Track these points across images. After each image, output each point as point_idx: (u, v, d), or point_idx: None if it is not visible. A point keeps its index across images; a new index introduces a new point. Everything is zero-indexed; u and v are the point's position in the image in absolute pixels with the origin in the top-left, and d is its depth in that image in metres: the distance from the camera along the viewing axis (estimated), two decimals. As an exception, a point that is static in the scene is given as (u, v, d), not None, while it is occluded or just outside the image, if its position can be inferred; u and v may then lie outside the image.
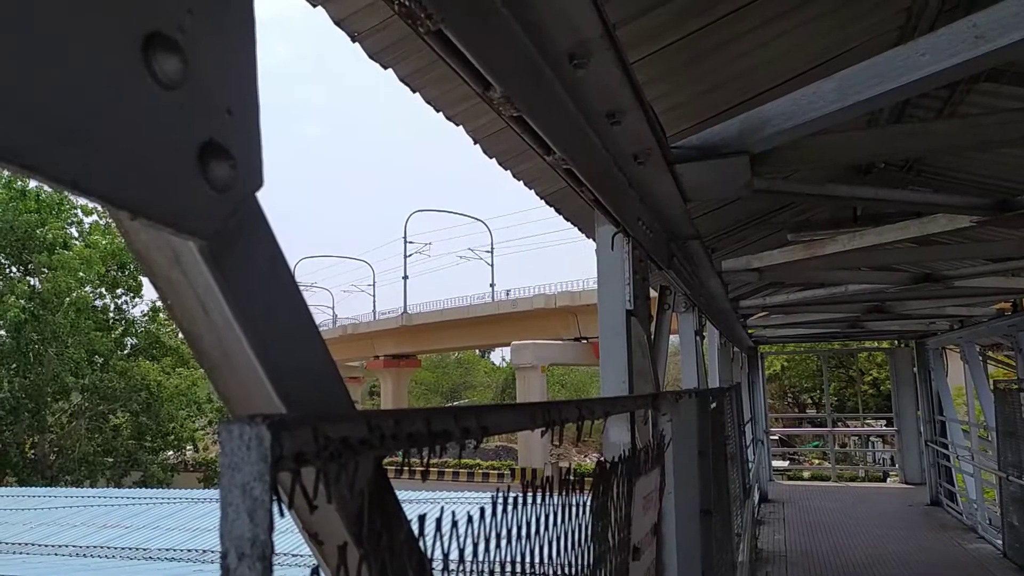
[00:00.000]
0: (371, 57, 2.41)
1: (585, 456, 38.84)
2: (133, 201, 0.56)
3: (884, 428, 23.18)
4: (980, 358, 11.88)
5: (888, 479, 20.07)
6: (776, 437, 20.71)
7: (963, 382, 13.41)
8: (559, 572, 1.19)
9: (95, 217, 27.50)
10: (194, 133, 0.63)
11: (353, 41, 2.32)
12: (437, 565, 0.84)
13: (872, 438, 24.96)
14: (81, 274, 25.32)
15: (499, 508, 0.97)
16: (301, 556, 8.85)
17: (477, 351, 60.35)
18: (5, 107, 0.46)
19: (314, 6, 2.08)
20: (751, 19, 2.85)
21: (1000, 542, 9.39)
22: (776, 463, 18.78)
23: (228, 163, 0.65)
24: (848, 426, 27.38)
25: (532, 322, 36.43)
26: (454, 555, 0.86)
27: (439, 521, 0.82)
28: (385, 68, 2.47)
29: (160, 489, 19.06)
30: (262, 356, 0.72)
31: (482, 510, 0.91)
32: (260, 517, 0.53)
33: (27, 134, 0.48)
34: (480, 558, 0.91)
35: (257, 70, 0.71)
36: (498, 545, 0.95)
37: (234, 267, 0.69)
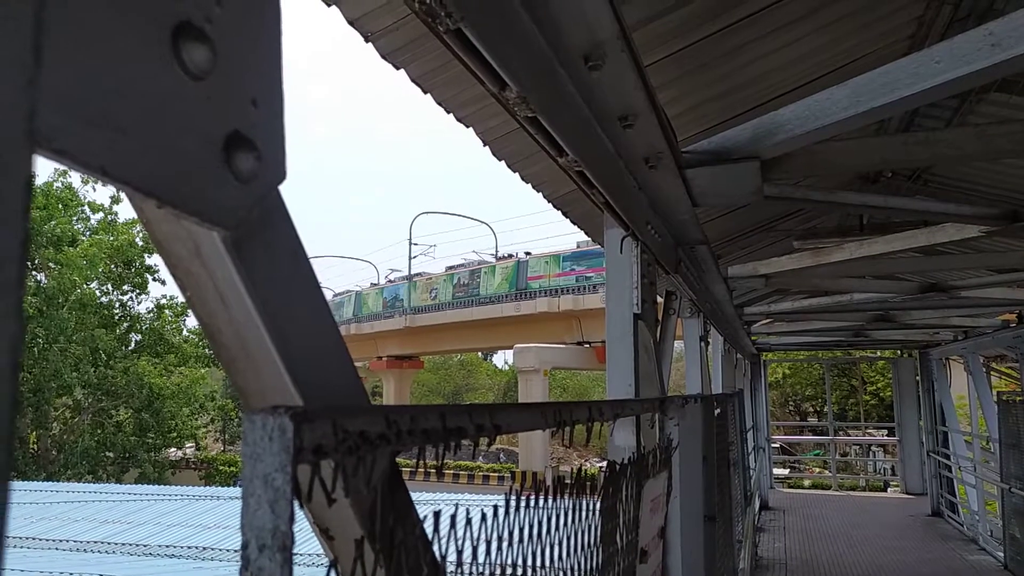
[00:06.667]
0: (384, 57, 2.41)
1: (586, 460, 38.76)
2: (160, 189, 0.56)
3: (886, 438, 23.10)
4: (984, 369, 11.84)
5: (889, 489, 19.99)
6: (777, 445, 20.66)
7: (966, 393, 13.37)
8: (570, 572, 1.19)
9: (102, 214, 27.59)
10: (220, 124, 0.63)
11: (366, 41, 2.32)
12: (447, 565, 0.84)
13: (873, 447, 24.87)
14: (87, 272, 25.36)
15: (512, 508, 0.97)
16: (299, 555, 8.83)
17: (480, 354, 60.29)
18: (41, 92, 0.46)
19: (328, 5, 2.08)
20: (764, 25, 2.85)
21: (1001, 554, 9.35)
22: (777, 471, 18.76)
23: (253, 155, 0.66)
24: (849, 435, 27.32)
25: (535, 325, 36.39)
26: (467, 554, 0.85)
27: (453, 518, 0.82)
28: (398, 68, 2.47)
29: (161, 486, 19.07)
30: (282, 349, 0.72)
31: (495, 508, 0.91)
32: (281, 508, 0.52)
33: (60, 118, 0.48)
34: (492, 558, 0.91)
35: (282, 62, 0.71)
36: (510, 544, 0.95)
37: (255, 259, 0.69)
